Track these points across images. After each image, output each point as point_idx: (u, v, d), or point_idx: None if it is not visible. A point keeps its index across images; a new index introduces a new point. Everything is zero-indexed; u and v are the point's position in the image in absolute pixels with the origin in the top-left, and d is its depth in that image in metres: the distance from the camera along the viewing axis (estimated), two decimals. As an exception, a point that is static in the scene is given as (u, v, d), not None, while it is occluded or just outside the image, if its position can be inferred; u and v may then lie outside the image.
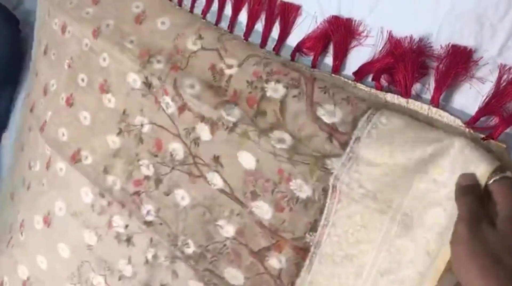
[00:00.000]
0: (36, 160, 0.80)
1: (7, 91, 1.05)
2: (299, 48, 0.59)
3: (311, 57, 0.58)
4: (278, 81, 0.55)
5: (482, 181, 0.42)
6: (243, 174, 0.57)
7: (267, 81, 0.56)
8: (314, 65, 0.57)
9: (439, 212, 0.45)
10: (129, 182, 0.68)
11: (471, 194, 0.42)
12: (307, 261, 0.53)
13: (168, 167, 0.64)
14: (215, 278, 0.60)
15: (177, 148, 0.63)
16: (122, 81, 0.67)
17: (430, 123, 0.48)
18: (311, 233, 0.53)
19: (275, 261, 0.56)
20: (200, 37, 0.61)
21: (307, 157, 0.52)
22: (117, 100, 0.69)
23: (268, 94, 0.56)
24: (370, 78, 0.53)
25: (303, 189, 0.53)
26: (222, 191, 0.60)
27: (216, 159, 0.60)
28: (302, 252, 0.54)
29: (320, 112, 0.52)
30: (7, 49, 1.01)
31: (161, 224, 0.64)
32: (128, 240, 0.67)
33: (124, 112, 0.68)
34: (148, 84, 0.64)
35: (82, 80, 0.72)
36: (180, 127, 0.63)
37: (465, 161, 0.43)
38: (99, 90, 0.70)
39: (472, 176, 0.42)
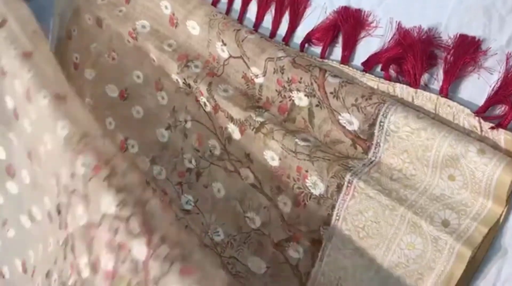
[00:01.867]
0: None
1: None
2: (308, 39, 0.59)
3: (320, 48, 0.58)
4: (298, 90, 0.57)
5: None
6: (270, 170, 0.60)
7: (291, 91, 0.58)
8: (323, 56, 0.58)
9: (450, 214, 0.46)
10: (174, 173, 0.73)
11: None
12: (320, 253, 0.55)
13: (208, 161, 0.69)
14: (239, 266, 0.63)
15: (214, 144, 0.67)
16: (171, 80, 0.72)
17: (438, 114, 0.48)
18: (325, 227, 0.55)
19: (294, 252, 0.59)
20: (224, 43, 0.64)
21: (330, 155, 0.54)
22: (169, 98, 0.74)
23: (296, 102, 0.58)
24: (379, 68, 0.53)
25: (317, 186, 0.55)
26: (253, 185, 0.63)
27: (247, 156, 0.63)
28: (317, 244, 0.56)
29: (342, 120, 0.53)
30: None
31: (197, 213, 0.69)
32: None
33: (174, 108, 0.73)
34: (187, 84, 0.67)
35: (138, 77, 0.77)
36: (216, 125, 0.67)
37: (479, 167, 0.44)
38: (155, 88, 0.75)
39: None
